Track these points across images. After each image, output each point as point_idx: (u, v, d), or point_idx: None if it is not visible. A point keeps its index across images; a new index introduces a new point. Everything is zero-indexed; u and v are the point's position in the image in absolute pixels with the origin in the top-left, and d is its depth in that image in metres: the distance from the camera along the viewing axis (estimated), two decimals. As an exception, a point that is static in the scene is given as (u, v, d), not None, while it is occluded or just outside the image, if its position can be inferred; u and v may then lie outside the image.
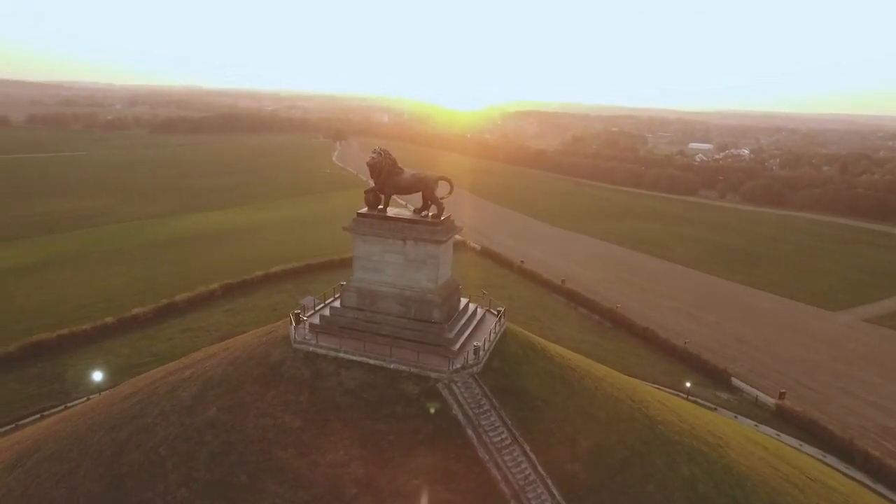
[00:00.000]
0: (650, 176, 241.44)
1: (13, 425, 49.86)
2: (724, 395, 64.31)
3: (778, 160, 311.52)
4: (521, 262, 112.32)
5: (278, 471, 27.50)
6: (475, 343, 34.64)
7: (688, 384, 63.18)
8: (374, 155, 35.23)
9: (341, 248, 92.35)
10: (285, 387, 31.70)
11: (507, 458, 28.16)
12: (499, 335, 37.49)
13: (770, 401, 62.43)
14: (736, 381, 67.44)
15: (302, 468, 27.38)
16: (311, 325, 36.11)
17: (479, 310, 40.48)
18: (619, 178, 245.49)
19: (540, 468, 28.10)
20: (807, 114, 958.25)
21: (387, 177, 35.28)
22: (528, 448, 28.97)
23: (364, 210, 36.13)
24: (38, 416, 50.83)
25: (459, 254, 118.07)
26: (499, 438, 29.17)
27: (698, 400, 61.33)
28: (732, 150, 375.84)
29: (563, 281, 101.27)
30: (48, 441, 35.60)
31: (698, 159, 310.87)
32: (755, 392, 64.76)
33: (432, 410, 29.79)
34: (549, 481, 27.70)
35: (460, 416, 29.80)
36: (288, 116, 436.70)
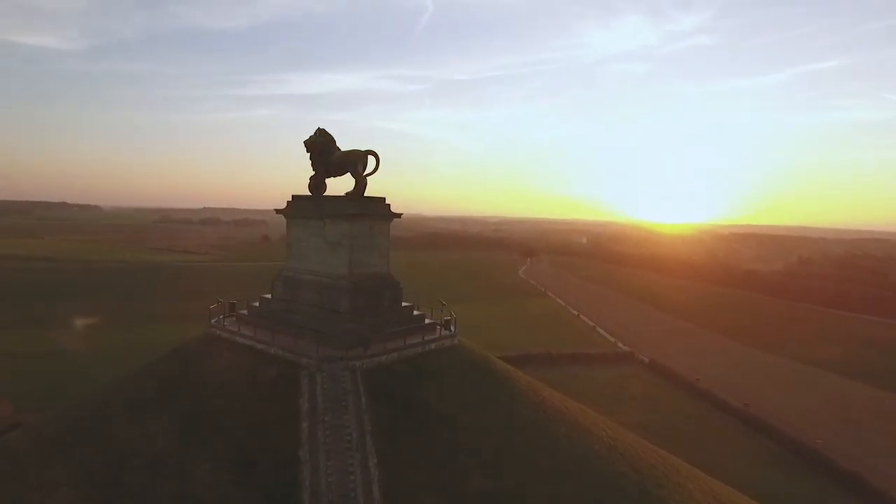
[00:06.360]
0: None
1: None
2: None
3: None
4: (697, 379, 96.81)
5: (94, 436, 25.76)
6: (387, 344, 29.26)
7: (900, 552, 44.65)
8: (312, 135, 33.16)
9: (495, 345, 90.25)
10: (166, 364, 30.76)
11: (333, 463, 22.53)
12: (431, 345, 31.33)
13: None
14: None
15: (113, 437, 25.36)
16: (239, 315, 34.55)
17: (428, 320, 34.66)
18: (854, 304, 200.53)
19: (375, 487, 21.85)
20: None
21: (319, 156, 32.84)
22: (373, 461, 22.87)
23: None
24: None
25: (623, 366, 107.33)
26: (335, 440, 23.61)
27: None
28: None
29: (746, 404, 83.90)
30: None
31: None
32: None
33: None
34: (377, 505, 21.08)
35: (305, 407, 25.03)
36: (488, 237, 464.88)
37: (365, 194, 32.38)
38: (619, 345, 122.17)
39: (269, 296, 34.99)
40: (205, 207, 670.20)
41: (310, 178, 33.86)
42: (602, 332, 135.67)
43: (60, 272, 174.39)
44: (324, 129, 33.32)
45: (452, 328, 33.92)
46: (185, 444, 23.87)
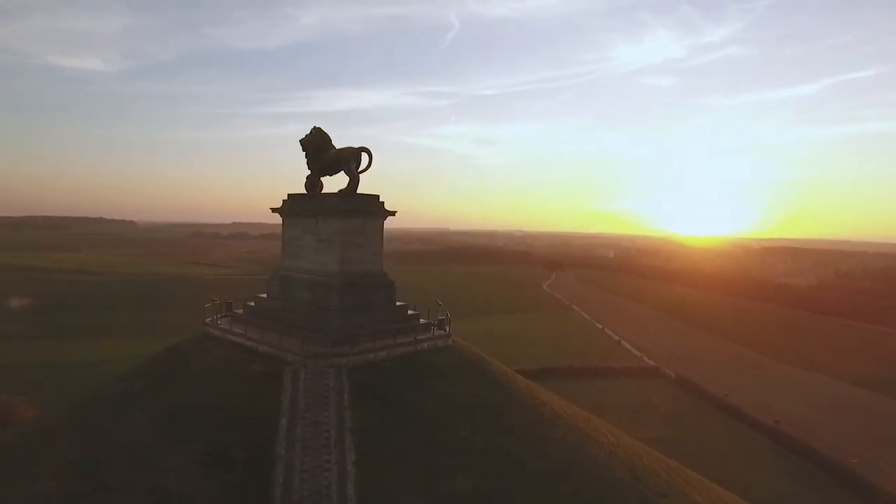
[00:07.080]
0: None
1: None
2: None
3: None
4: (726, 395, 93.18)
5: (78, 431, 25.70)
6: (376, 342, 28.66)
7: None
8: (308, 134, 32.79)
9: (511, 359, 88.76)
10: (156, 362, 30.72)
11: (309, 459, 21.90)
12: (424, 344, 30.51)
13: None
14: None
15: (95, 432, 25.20)
16: (235, 314, 34.36)
17: (423, 320, 33.89)
18: (894, 318, 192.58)
19: (350, 483, 21.11)
20: None
21: (314, 154, 32.46)
22: (351, 458, 22.08)
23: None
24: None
25: (648, 380, 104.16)
26: (313, 436, 22.98)
27: None
28: None
29: (776, 421, 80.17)
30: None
31: None
32: None
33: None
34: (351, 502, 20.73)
35: (286, 403, 24.58)
36: (513, 250, 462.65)
37: (358, 191, 31.99)
38: (645, 359, 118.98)
39: (264, 295, 34.82)
40: (234, 222, 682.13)
41: (306, 178, 33.71)
42: (627, 345, 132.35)
43: (94, 285, 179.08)
44: (319, 128, 33.20)
45: (447, 328, 33.01)
46: (164, 439, 23.66)
